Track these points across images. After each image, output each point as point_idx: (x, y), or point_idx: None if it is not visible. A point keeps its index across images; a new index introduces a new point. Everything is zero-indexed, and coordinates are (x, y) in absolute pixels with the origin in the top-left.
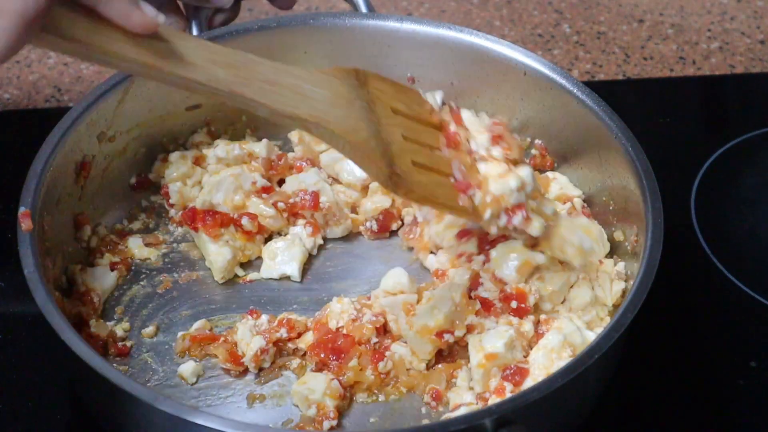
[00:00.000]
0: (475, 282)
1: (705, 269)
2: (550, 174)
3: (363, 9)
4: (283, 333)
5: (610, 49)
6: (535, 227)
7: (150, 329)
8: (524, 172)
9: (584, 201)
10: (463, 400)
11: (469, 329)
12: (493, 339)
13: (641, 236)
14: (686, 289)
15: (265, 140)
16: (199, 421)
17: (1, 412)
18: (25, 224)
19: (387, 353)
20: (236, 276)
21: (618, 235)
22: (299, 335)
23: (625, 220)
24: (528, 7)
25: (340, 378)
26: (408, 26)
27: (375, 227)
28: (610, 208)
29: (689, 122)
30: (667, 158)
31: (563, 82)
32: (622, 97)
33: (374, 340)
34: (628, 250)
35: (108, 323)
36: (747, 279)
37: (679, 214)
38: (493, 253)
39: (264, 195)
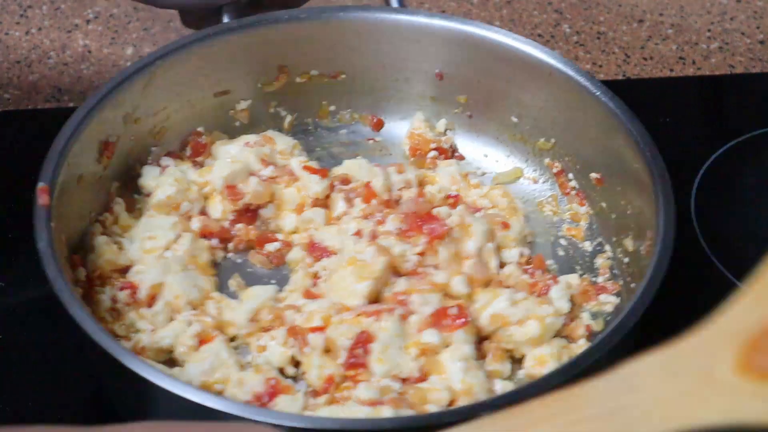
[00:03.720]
0: None
1: (705, 269)
2: None
3: (394, 3)
4: None
5: (610, 49)
6: None
7: None
8: None
9: (604, 204)
10: None
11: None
12: None
13: (653, 243)
14: (686, 289)
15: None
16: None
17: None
18: (42, 199)
19: None
20: None
21: (628, 244)
22: None
23: (641, 225)
24: (528, 7)
25: None
26: (437, 22)
27: None
28: (628, 212)
29: (689, 122)
30: (667, 158)
31: (587, 84)
32: (622, 97)
33: None
34: (642, 255)
35: None
36: (747, 279)
37: (679, 214)
38: None
39: None
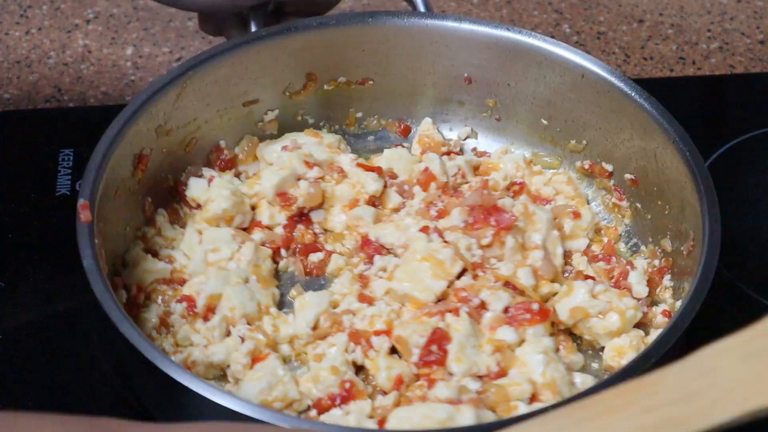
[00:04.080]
0: None
1: None
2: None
3: (421, 8)
4: None
5: (610, 49)
6: None
7: None
8: None
9: (639, 204)
10: None
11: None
12: None
13: (697, 242)
14: None
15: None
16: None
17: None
18: (84, 216)
19: None
20: None
21: (666, 244)
22: None
23: (680, 225)
24: (528, 7)
25: None
26: (466, 26)
27: None
28: (666, 212)
29: (689, 122)
30: None
31: (621, 85)
32: None
33: None
34: (684, 255)
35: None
36: (747, 279)
37: None
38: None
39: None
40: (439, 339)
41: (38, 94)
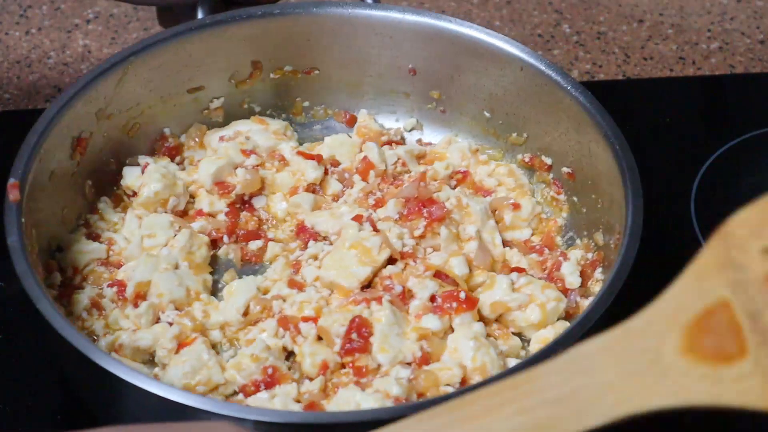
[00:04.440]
0: None
1: None
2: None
3: None
4: None
5: (610, 49)
6: None
7: None
8: None
9: (576, 198)
10: None
11: None
12: None
13: (622, 235)
14: None
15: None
16: (192, 403)
17: None
18: (13, 195)
19: None
20: None
21: (598, 237)
22: None
23: (610, 219)
24: (528, 7)
25: None
26: (410, 18)
27: None
28: (598, 206)
29: (689, 122)
30: (667, 158)
31: (558, 78)
32: (622, 97)
33: None
34: (612, 249)
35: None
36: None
37: (679, 214)
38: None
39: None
40: (358, 327)
41: (38, 94)
